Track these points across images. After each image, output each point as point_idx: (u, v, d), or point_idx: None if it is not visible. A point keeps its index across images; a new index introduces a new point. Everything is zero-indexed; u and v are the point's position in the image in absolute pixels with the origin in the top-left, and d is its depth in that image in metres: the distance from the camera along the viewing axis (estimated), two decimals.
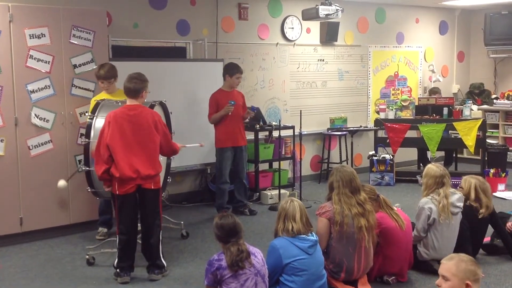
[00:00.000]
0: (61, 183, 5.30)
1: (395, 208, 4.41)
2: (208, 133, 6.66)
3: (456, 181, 6.18)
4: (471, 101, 8.71)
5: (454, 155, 8.63)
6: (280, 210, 3.79)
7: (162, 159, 4.82)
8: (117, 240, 4.41)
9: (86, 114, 4.82)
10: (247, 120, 6.65)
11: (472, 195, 4.70)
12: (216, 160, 6.44)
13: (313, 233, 3.79)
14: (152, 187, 4.39)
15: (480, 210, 4.67)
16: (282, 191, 7.01)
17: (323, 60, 8.40)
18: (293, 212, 3.71)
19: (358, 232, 3.97)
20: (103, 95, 5.30)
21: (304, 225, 3.71)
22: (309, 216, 3.81)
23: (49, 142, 5.49)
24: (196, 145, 5.49)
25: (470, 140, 7.63)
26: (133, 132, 4.30)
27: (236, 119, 6.28)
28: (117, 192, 4.32)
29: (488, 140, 8.52)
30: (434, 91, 8.80)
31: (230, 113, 6.13)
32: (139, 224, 4.53)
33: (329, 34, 8.22)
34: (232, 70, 6.26)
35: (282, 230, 3.72)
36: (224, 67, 6.41)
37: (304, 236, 3.70)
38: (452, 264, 2.70)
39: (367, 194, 4.20)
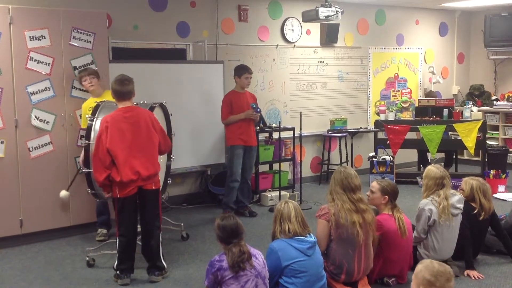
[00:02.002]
0: (63, 193, 5.38)
1: (403, 214, 4.38)
2: (209, 134, 6.66)
3: (456, 183, 6.18)
4: (471, 103, 8.71)
5: (454, 156, 8.63)
6: (275, 212, 3.80)
7: (162, 161, 4.82)
8: (117, 242, 4.39)
9: (87, 116, 4.80)
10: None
11: (473, 196, 4.70)
12: (226, 158, 6.48)
13: (311, 234, 3.79)
14: (153, 187, 4.40)
15: (481, 212, 4.67)
16: (282, 192, 7.00)
17: (323, 62, 8.41)
18: (288, 213, 3.71)
19: (352, 226, 3.94)
20: (91, 100, 5.27)
21: (300, 225, 3.70)
22: (304, 216, 3.80)
23: (49, 144, 5.49)
24: None
25: (470, 142, 7.62)
26: (132, 134, 4.29)
27: (249, 119, 6.35)
28: (118, 195, 4.31)
29: (488, 142, 8.52)
30: (430, 95, 8.81)
31: (251, 118, 6.26)
32: (138, 226, 4.53)
33: (329, 36, 8.23)
34: (240, 71, 6.36)
35: (280, 232, 3.72)
36: (234, 69, 6.49)
37: (302, 237, 3.69)
38: (417, 267, 2.70)
39: (386, 185, 4.31)
